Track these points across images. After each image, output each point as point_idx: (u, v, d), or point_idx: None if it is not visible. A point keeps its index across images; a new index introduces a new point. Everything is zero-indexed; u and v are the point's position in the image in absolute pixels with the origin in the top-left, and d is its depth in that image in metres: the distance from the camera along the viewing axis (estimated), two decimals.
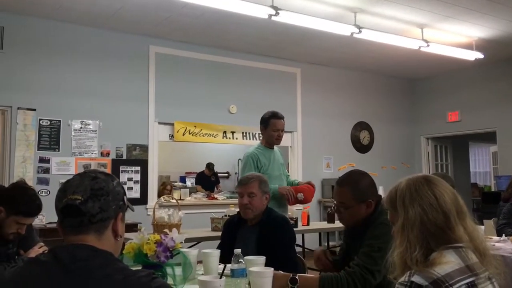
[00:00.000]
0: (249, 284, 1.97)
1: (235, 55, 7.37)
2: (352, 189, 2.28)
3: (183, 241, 2.31)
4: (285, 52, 7.50)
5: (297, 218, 5.13)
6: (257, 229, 2.85)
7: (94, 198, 1.29)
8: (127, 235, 2.23)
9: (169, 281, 2.15)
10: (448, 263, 1.35)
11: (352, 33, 5.81)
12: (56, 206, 1.31)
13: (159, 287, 1.24)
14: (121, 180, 6.27)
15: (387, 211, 2.27)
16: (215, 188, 9.68)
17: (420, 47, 6.45)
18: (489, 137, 8.85)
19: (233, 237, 2.87)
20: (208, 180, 9.93)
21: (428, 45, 6.40)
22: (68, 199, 1.28)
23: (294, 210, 5.47)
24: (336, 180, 2.40)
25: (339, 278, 2.11)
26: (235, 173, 10.83)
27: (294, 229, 4.81)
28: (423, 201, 1.46)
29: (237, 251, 2.09)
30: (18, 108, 5.72)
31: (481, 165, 14.17)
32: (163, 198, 5.90)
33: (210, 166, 9.97)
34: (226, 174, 10.89)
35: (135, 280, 1.22)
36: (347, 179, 2.33)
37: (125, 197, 1.39)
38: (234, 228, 2.96)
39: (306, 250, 5.67)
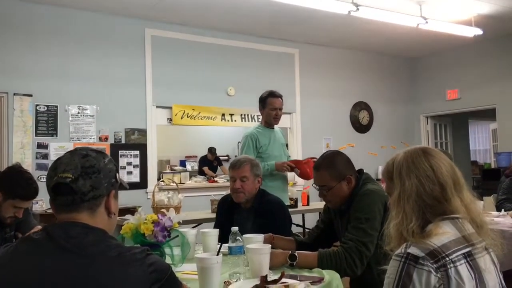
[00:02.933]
0: (247, 261, 1.98)
1: (232, 36, 7.30)
2: (328, 170, 2.32)
3: (181, 221, 2.31)
4: (283, 32, 7.43)
5: (297, 198, 5.14)
6: (252, 214, 2.84)
7: (85, 176, 1.27)
8: (126, 217, 2.23)
9: (168, 260, 2.15)
10: (444, 233, 1.35)
11: (349, 11, 5.73)
12: (48, 185, 1.29)
13: (154, 263, 1.24)
14: (120, 165, 6.33)
15: (368, 183, 2.33)
16: (221, 171, 9.70)
17: (418, 24, 6.38)
18: (489, 114, 8.83)
19: (230, 220, 2.85)
20: (211, 164, 9.95)
21: (426, 22, 6.33)
22: (58, 177, 1.27)
23: (294, 191, 5.48)
24: (313, 166, 2.43)
25: (337, 253, 2.13)
26: (235, 156, 10.83)
27: (294, 209, 4.87)
28: (420, 172, 1.44)
29: (234, 229, 2.09)
30: (14, 94, 5.69)
31: (481, 143, 14.16)
32: (162, 181, 5.91)
33: (212, 150, 9.96)
34: (226, 157, 10.89)
35: (129, 256, 1.21)
36: (322, 162, 2.38)
37: (117, 174, 1.37)
38: (229, 211, 2.94)
39: (306, 229, 5.69)
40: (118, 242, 1.27)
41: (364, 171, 2.46)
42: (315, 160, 3.92)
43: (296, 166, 4.05)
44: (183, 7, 6.18)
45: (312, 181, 2.48)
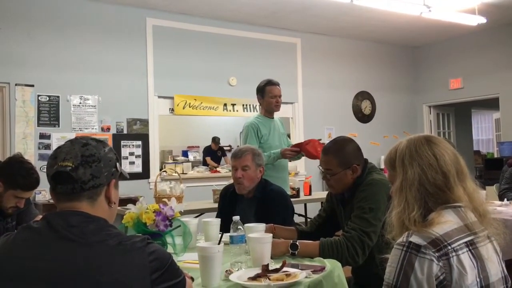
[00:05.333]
0: (248, 250, 1.98)
1: (234, 26, 7.26)
2: (336, 156, 2.31)
3: (183, 211, 2.31)
4: (285, 21, 7.39)
5: (299, 188, 5.14)
6: (255, 203, 2.84)
7: (85, 165, 1.27)
8: (128, 207, 2.23)
9: (169, 249, 2.15)
10: (446, 222, 1.34)
11: (351, 0, 5.68)
12: (48, 174, 1.29)
13: (154, 252, 1.23)
14: (122, 155, 6.33)
15: (373, 172, 2.31)
16: (225, 162, 9.69)
17: (421, 12, 6.32)
18: (492, 104, 8.78)
19: (232, 210, 2.85)
20: (214, 154, 9.95)
21: (430, 11, 6.27)
22: (58, 166, 1.26)
23: (296, 181, 5.48)
24: (322, 149, 2.41)
25: (339, 242, 2.12)
26: (237, 146, 10.82)
27: (296, 199, 4.87)
28: (423, 161, 1.43)
29: (236, 218, 2.08)
30: (16, 85, 5.68)
31: (484, 133, 14.12)
32: (165, 171, 5.91)
33: (215, 139, 9.96)
34: (229, 147, 10.89)
35: (129, 245, 1.21)
36: (332, 147, 2.36)
37: (117, 163, 1.36)
38: (231, 201, 2.94)
39: (308, 219, 5.69)
40: (119, 231, 1.26)
41: (367, 159, 2.45)
42: (318, 140, 3.94)
43: (300, 149, 4.01)
44: None
45: (315, 169, 2.47)
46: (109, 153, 1.34)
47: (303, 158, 4.19)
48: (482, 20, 6.78)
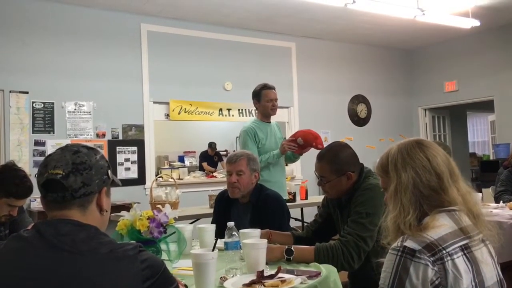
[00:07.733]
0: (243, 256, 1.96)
1: (229, 31, 7.26)
2: (330, 163, 2.29)
3: (177, 217, 2.29)
4: (279, 26, 7.40)
5: (295, 192, 5.12)
6: (250, 209, 2.82)
7: (76, 173, 1.25)
8: (122, 214, 2.21)
9: (164, 256, 2.13)
10: (441, 226, 1.33)
11: (346, 4, 5.69)
12: (38, 182, 1.28)
13: (147, 259, 1.22)
14: (118, 161, 6.31)
15: (370, 176, 2.30)
16: (222, 167, 9.68)
17: (415, 16, 6.34)
18: (487, 106, 8.81)
19: (228, 216, 2.83)
20: (211, 159, 9.94)
21: (423, 14, 6.29)
22: (49, 174, 1.25)
23: (292, 185, 5.47)
24: (317, 155, 2.39)
25: (334, 247, 2.11)
26: (234, 151, 10.80)
27: (293, 203, 4.86)
28: (416, 163, 1.43)
29: (230, 224, 2.07)
30: (10, 91, 5.66)
31: (480, 135, 14.16)
32: (161, 177, 5.89)
33: (212, 145, 9.95)
34: (225, 152, 10.88)
35: (121, 253, 1.19)
36: (326, 154, 2.34)
37: (109, 170, 1.35)
38: (227, 206, 2.93)
39: (305, 223, 5.67)
40: (110, 239, 1.25)
41: (363, 164, 2.43)
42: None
43: (296, 137, 4.01)
44: (179, 1, 6.14)
45: (312, 174, 2.45)
46: (100, 161, 1.33)
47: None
48: (476, 23, 6.81)
